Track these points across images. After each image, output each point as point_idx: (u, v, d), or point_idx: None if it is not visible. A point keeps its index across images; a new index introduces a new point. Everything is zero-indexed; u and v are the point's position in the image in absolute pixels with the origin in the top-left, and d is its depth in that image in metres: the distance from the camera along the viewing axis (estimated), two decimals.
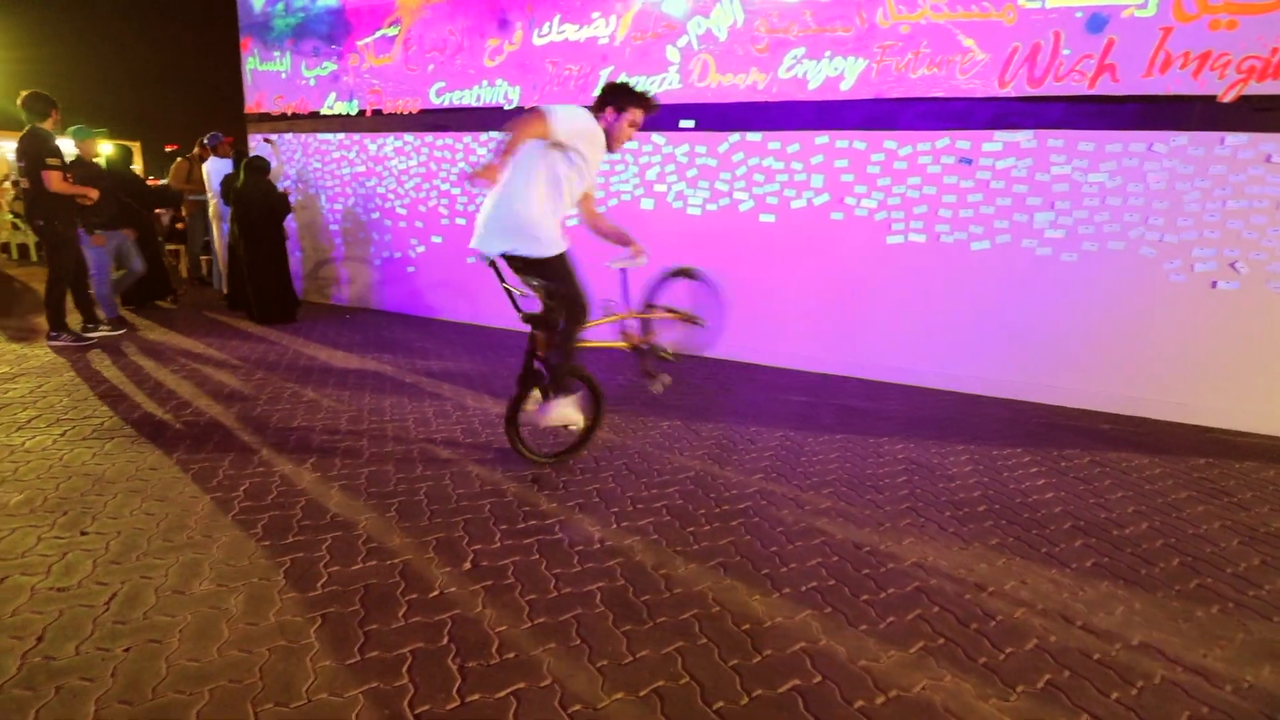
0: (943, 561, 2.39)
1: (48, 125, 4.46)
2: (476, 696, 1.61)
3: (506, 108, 6.06)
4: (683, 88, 5.35)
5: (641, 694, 1.65)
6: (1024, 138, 4.45)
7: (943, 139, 4.65)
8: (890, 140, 4.79)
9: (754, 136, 5.19)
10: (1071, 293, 4.47)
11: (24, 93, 4.39)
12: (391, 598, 2.00)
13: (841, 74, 4.84)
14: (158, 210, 7.04)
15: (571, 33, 5.68)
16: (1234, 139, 4.02)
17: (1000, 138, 4.51)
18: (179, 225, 8.65)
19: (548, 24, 5.75)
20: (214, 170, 6.94)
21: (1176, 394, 4.32)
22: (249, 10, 7.37)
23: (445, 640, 1.81)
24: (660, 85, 5.41)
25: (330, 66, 6.95)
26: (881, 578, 2.26)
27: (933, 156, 4.70)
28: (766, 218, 5.25)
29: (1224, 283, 4.14)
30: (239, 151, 7.37)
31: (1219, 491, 3.20)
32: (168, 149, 11.31)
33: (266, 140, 7.24)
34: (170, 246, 8.81)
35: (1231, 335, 4.17)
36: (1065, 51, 4.27)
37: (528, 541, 2.38)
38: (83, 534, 2.27)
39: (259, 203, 6.09)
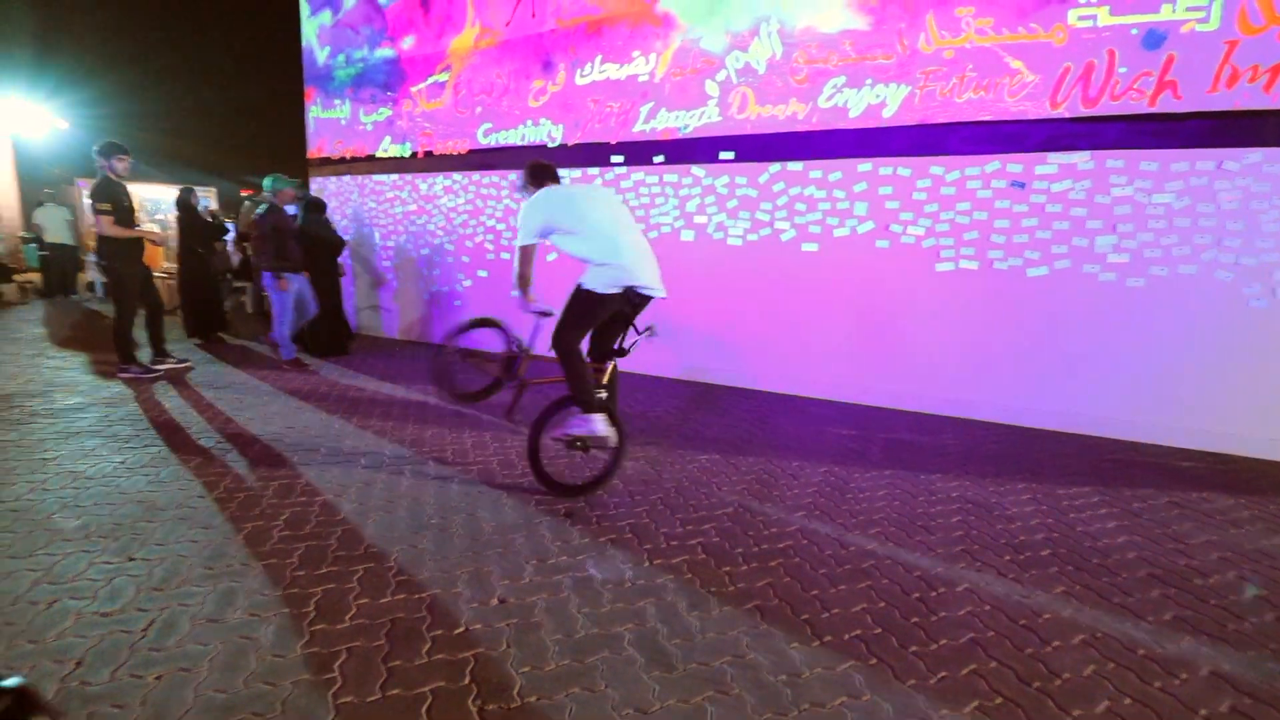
0: (1001, 611, 2.21)
1: (120, 169, 4.78)
2: None
3: (550, 145, 6.22)
4: (722, 120, 5.38)
5: None
6: (1081, 159, 4.26)
7: (993, 163, 4.50)
8: (937, 165, 4.67)
9: (795, 166, 5.15)
10: (1140, 320, 4.20)
11: (98, 143, 4.76)
12: (417, 633, 1.97)
13: (884, 101, 4.77)
14: (216, 246, 7.50)
15: (613, 71, 5.81)
16: None
17: (1055, 160, 4.33)
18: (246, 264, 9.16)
19: (590, 64, 5.91)
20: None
21: (1265, 429, 3.96)
22: (313, 62, 7.86)
23: (467, 680, 1.76)
24: (700, 118, 5.46)
25: (386, 112, 7.31)
26: (933, 627, 2.10)
27: (982, 181, 4.55)
28: (809, 247, 5.17)
29: None
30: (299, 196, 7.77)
31: None
32: (243, 194, 12.10)
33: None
34: (237, 284, 9.33)
35: None
36: (1121, 70, 4.09)
37: (557, 578, 2.32)
38: (130, 560, 2.34)
39: (316, 240, 6.38)
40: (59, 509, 2.73)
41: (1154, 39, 4.01)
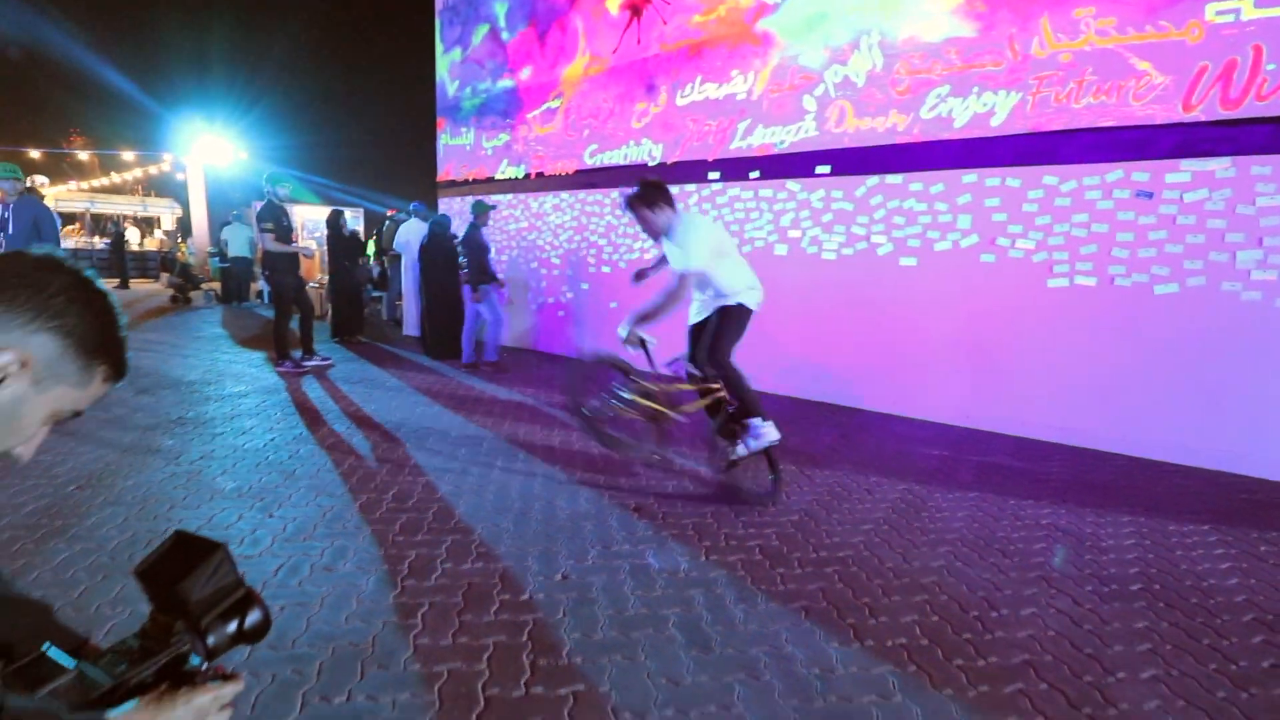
0: (1066, 638, 2.11)
1: (281, 195, 5.66)
2: (540, 690, 1.75)
3: (650, 163, 6.51)
4: (819, 134, 5.39)
5: (690, 716, 1.68)
6: (1219, 166, 3.87)
7: (1114, 171, 4.19)
8: (1050, 175, 4.41)
9: (894, 179, 5.06)
10: None
11: (266, 173, 5.68)
12: (488, 595, 2.23)
13: (991, 109, 4.58)
14: (359, 261, 8.52)
15: (712, 91, 6.01)
16: None
17: (1188, 167, 3.96)
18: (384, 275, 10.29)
19: (690, 85, 6.14)
20: (409, 230, 8.19)
21: None
22: (444, 95, 8.74)
23: (524, 638, 1.99)
24: (796, 134, 5.50)
25: (504, 137, 7.97)
26: (985, 645, 2.06)
27: (1103, 191, 4.24)
28: (907, 261, 5.04)
29: None
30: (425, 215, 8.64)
31: None
32: (389, 213, 13.52)
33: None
34: (375, 293, 10.47)
35: None
36: (1269, 66, 3.68)
37: (617, 563, 2.51)
38: (270, 516, 2.81)
39: (440, 254, 7.08)
40: (221, 474, 3.31)
41: None
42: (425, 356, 7.13)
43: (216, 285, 14.02)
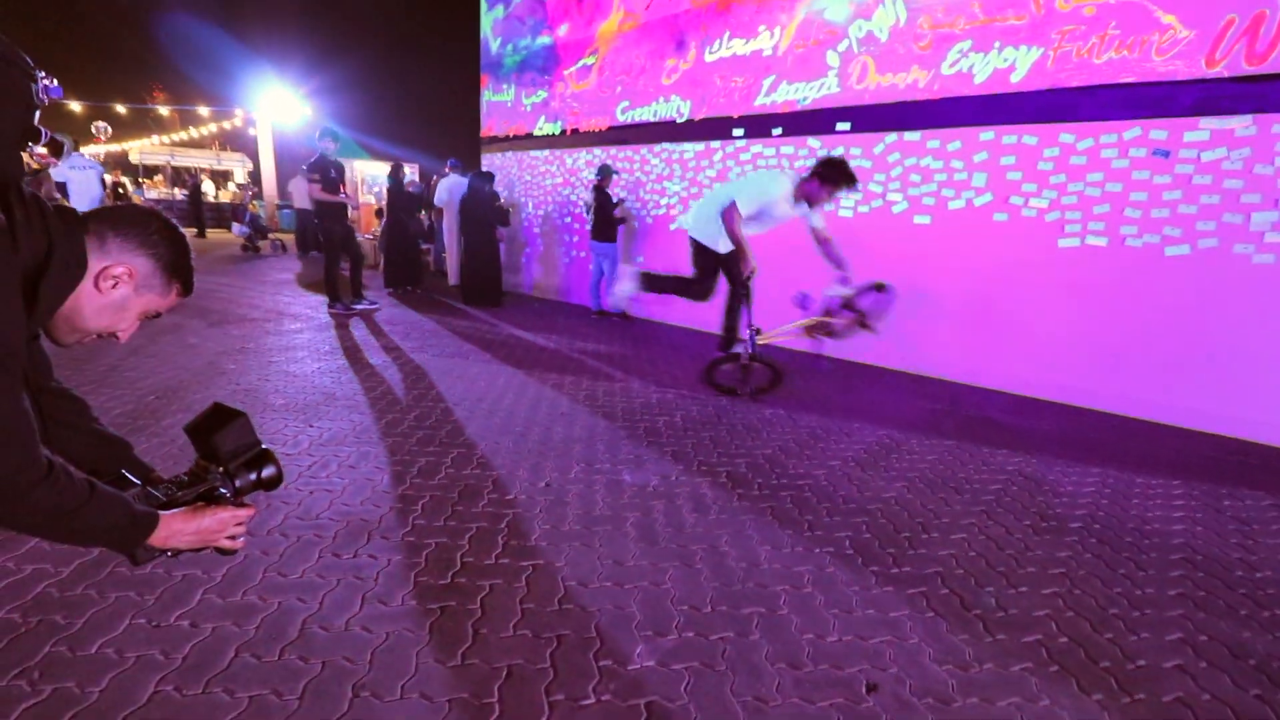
0: (983, 559, 2.35)
1: (330, 149, 6.11)
2: (506, 561, 2.13)
3: (678, 120, 6.64)
4: (841, 91, 5.42)
5: (625, 587, 2.03)
6: (1240, 124, 3.78)
7: (1133, 129, 4.13)
8: (1067, 134, 4.37)
9: (912, 136, 5.07)
10: None
11: (318, 128, 6.12)
12: (479, 493, 2.62)
13: (1012, 65, 4.54)
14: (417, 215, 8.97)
15: (739, 47, 6.06)
16: None
17: (1207, 125, 3.88)
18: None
19: (718, 41, 6.20)
20: (450, 186, 8.59)
21: None
22: (488, 52, 8.99)
23: (503, 525, 2.37)
24: (819, 90, 5.54)
25: (542, 94, 8.20)
26: (904, 558, 2.32)
27: (1119, 149, 4.19)
28: (921, 219, 5.09)
29: None
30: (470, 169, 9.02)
31: None
32: (447, 169, 14.03)
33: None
34: (424, 245, 10.99)
35: None
36: None
37: (596, 477, 2.86)
38: (310, 426, 3.29)
39: (480, 208, 7.47)
40: (273, 393, 3.82)
41: None
42: (465, 304, 7.59)
43: (287, 236, 14.93)
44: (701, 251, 4.26)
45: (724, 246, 4.12)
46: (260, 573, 2.00)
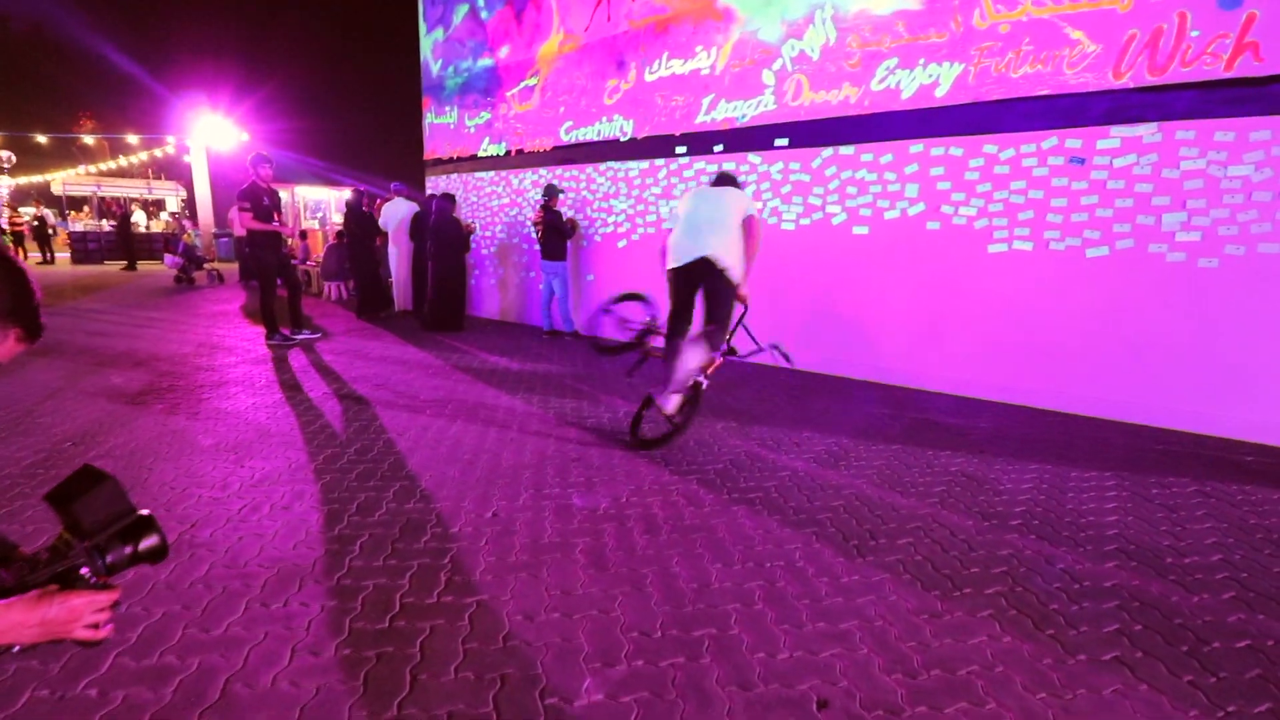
0: (929, 562, 2.38)
1: (264, 175, 5.91)
2: (449, 599, 2.05)
3: (621, 139, 6.68)
4: (777, 108, 5.55)
5: (573, 618, 1.97)
6: (1146, 131, 4.02)
7: (1050, 139, 4.34)
8: (990, 144, 4.57)
9: (847, 150, 5.22)
10: (1211, 302, 3.90)
11: (250, 154, 5.92)
12: (421, 528, 2.53)
13: (936, 80, 4.73)
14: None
15: (678, 67, 6.16)
16: None
17: (1117, 133, 4.11)
18: None
19: (657, 61, 6.29)
20: (395, 210, 8.40)
21: None
22: (429, 75, 8.91)
23: (445, 560, 2.29)
24: (756, 107, 5.66)
25: (485, 116, 8.16)
26: (852, 567, 2.33)
27: (1039, 158, 4.40)
28: (860, 230, 5.23)
29: None
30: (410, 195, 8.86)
31: None
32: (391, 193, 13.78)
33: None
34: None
35: None
36: (1193, 33, 3.81)
37: (545, 503, 2.80)
38: (241, 466, 3.12)
39: (446, 230, 7.35)
40: (202, 433, 3.62)
41: None
42: (422, 330, 7.41)
43: (221, 266, 14.38)
44: (728, 288, 3.54)
45: (738, 275, 3.53)
46: (179, 630, 1.87)
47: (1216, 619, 2.06)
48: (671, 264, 3.61)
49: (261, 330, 6.43)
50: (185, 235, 15.55)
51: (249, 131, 18.92)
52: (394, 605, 2.01)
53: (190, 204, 21.24)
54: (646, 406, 3.68)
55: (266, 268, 6.02)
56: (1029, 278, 4.50)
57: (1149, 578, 2.31)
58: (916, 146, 4.88)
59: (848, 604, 2.09)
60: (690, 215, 3.66)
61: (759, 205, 5.50)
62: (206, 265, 12.79)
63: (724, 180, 3.92)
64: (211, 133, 18.89)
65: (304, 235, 12.41)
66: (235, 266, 13.41)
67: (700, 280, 3.55)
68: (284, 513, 2.65)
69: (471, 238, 7.69)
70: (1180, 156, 3.94)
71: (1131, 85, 4.03)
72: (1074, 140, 4.26)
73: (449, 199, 7.39)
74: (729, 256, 3.48)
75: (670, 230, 3.75)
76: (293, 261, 6.56)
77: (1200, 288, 3.94)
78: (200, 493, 2.82)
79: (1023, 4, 4.32)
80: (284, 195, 18.74)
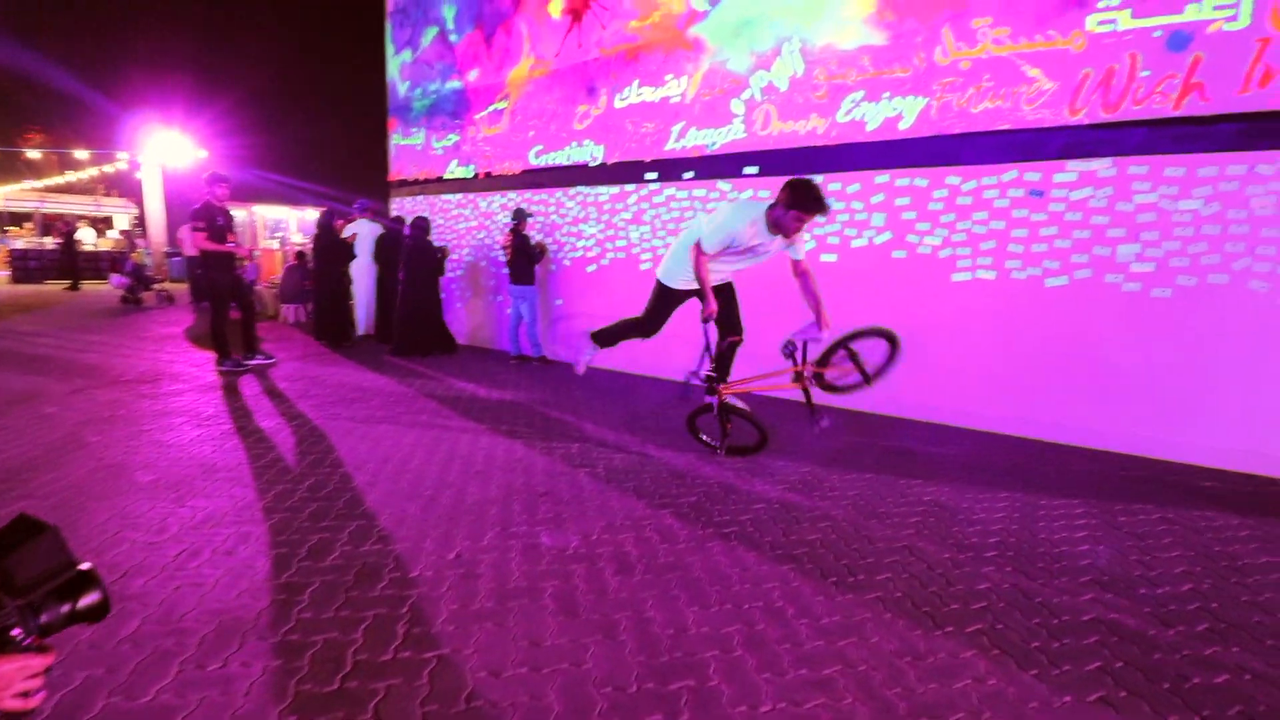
0: (909, 600, 2.32)
1: (219, 194, 5.69)
2: (407, 654, 1.90)
3: (592, 164, 6.66)
4: (747, 137, 5.60)
5: (542, 672, 1.84)
6: (1101, 166, 4.15)
7: (1010, 172, 4.46)
8: (953, 176, 4.67)
9: (815, 179, 5.26)
10: (1166, 331, 4.01)
11: (205, 173, 5.70)
12: (378, 574, 2.36)
13: (900, 114, 4.83)
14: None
15: (648, 94, 6.18)
16: None
17: (1074, 167, 4.24)
18: None
19: (628, 88, 6.31)
20: (358, 231, 8.20)
21: None
22: (396, 96, 8.79)
23: (404, 609, 2.13)
24: (726, 135, 5.70)
25: (453, 138, 8.06)
26: (834, 606, 2.26)
27: (999, 190, 4.51)
28: (827, 257, 5.26)
29: None
30: (377, 212, 8.66)
31: None
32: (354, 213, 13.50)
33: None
34: None
35: None
36: (1144, 73, 3.97)
37: (511, 542, 2.66)
38: (182, 505, 2.91)
39: (426, 256, 7.19)
40: (140, 468, 3.38)
41: (1179, 40, 3.87)
42: (388, 356, 7.18)
43: (172, 286, 13.83)
44: (655, 287, 4.00)
45: (679, 282, 3.86)
46: (101, 699, 1.68)
47: (1194, 652, 2.05)
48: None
49: (212, 355, 6.13)
50: (135, 254, 14.96)
51: (207, 148, 18.42)
52: (345, 663, 1.86)
53: (141, 221, 20.52)
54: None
55: (219, 289, 5.76)
56: (992, 306, 4.58)
57: (1125, 610, 2.29)
58: (882, 177, 4.96)
59: (829, 647, 2.01)
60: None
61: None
62: (156, 286, 12.28)
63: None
64: (167, 149, 18.34)
65: (251, 256, 11.99)
66: (186, 287, 12.90)
67: None
68: (226, 558, 2.45)
69: (446, 261, 7.51)
70: (1134, 190, 4.07)
71: (1086, 122, 4.17)
72: (1033, 173, 4.37)
73: (423, 224, 7.24)
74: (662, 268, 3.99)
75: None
76: (250, 282, 6.28)
77: (1155, 317, 4.05)
78: (134, 536, 2.60)
79: (982, 42, 4.46)
80: (241, 214, 18.27)
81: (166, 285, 13.52)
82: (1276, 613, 2.30)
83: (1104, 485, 3.59)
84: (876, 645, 2.03)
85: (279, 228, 18.81)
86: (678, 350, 4.80)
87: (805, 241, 3.36)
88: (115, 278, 12.30)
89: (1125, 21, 4.02)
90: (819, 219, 3.52)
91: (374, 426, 4.30)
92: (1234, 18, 3.72)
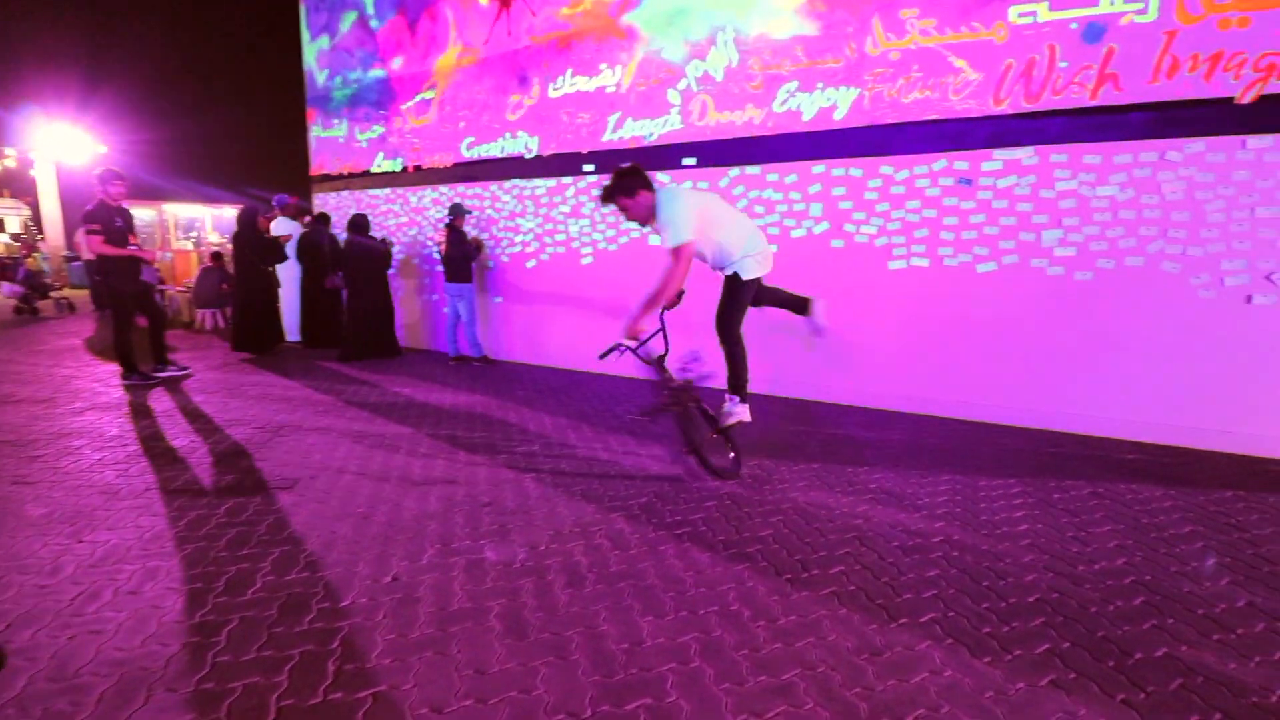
0: (863, 592, 2.31)
1: (113, 193, 5.18)
2: (338, 695, 1.74)
3: (527, 156, 6.46)
4: (684, 127, 5.53)
5: (489, 703, 1.72)
6: (1024, 154, 4.29)
7: (940, 161, 4.55)
8: (886, 165, 4.73)
9: (753, 170, 5.27)
10: (1089, 312, 4.19)
11: (97, 170, 5.19)
12: (305, 605, 2.18)
13: (834, 104, 4.86)
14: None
15: (583, 84, 6.02)
16: (1258, 142, 3.71)
17: (1000, 156, 4.37)
18: None
19: (561, 78, 6.13)
20: (282, 230, 7.69)
21: (1216, 420, 3.92)
22: (314, 84, 8.30)
23: (334, 644, 1.96)
24: (663, 126, 5.62)
25: (379, 129, 7.67)
26: (789, 604, 2.22)
27: (931, 179, 4.60)
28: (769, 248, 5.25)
29: (1260, 296, 3.77)
30: (302, 209, 8.16)
31: (1232, 526, 2.88)
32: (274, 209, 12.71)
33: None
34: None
35: (1274, 353, 3.76)
36: (1062, 64, 4.11)
37: (453, 560, 2.51)
38: (79, 541, 2.61)
39: (372, 257, 6.80)
40: (31, 500, 3.03)
41: (1094, 32, 4.02)
42: (340, 361, 6.77)
43: (72, 293, 12.74)
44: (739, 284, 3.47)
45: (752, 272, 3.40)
46: None
47: (1134, 627, 2.11)
48: (759, 272, 3.39)
49: (116, 369, 5.63)
50: (29, 259, 13.70)
51: (106, 143, 17.02)
52: (269, 710, 1.68)
53: (37, 223, 18.84)
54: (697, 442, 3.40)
55: (121, 297, 5.27)
56: (927, 293, 4.68)
57: (1067, 588, 2.35)
58: (819, 167, 4.99)
59: (788, 650, 1.97)
60: (742, 220, 3.48)
61: None
62: (54, 293, 11.26)
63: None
64: (61, 144, 16.85)
65: (156, 259, 11.12)
66: (88, 294, 11.90)
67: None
68: (131, 599, 2.21)
69: (391, 251, 7.12)
70: (1055, 178, 4.22)
71: (1010, 111, 4.29)
72: (961, 163, 4.48)
73: (360, 223, 6.86)
74: None
75: (692, 239, 3.12)
76: (163, 287, 5.77)
77: (1077, 299, 4.22)
78: (22, 580, 2.31)
79: (910, 33, 4.53)
80: (150, 214, 17.00)
81: (66, 292, 12.44)
82: (1203, 581, 2.41)
83: (1037, 462, 3.72)
84: (834, 644, 2.00)
85: (193, 227, 17.61)
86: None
87: (666, 233, 3.10)
88: (7, 286, 11.23)
89: (1044, 13, 4.14)
90: (611, 205, 3.33)
91: (301, 439, 4.02)
92: (1143, 10, 3.89)
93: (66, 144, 17.07)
